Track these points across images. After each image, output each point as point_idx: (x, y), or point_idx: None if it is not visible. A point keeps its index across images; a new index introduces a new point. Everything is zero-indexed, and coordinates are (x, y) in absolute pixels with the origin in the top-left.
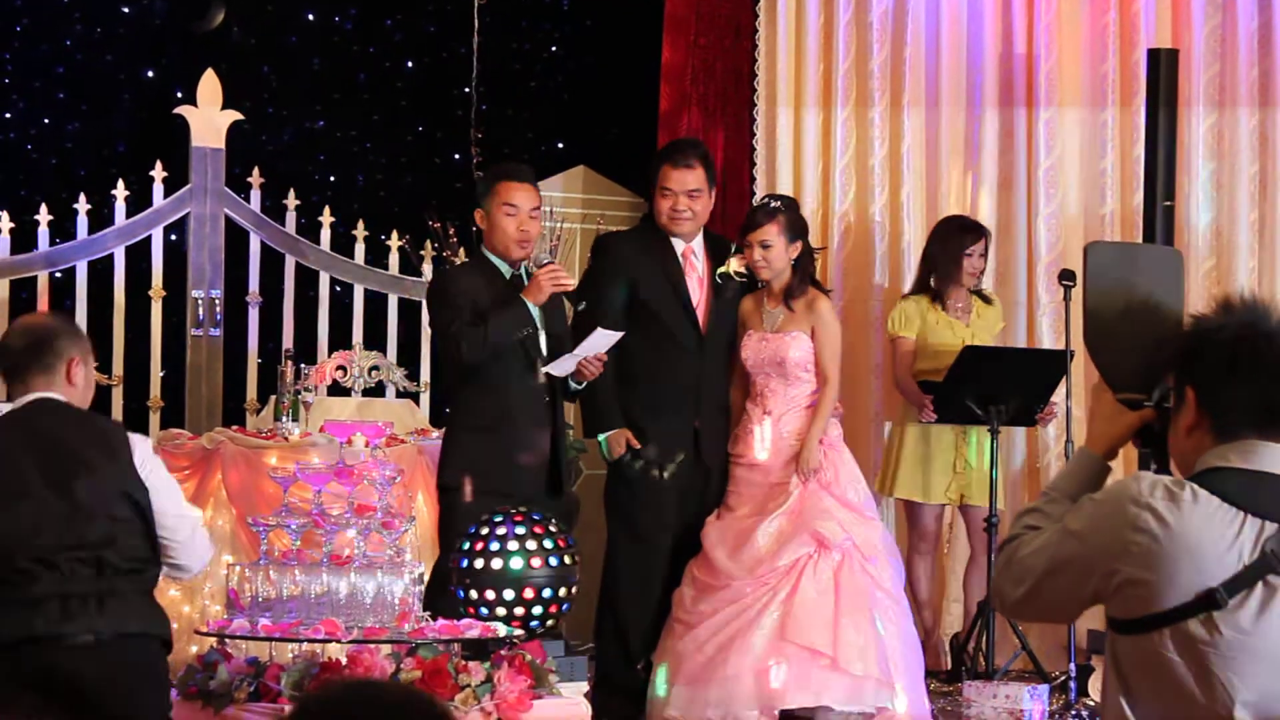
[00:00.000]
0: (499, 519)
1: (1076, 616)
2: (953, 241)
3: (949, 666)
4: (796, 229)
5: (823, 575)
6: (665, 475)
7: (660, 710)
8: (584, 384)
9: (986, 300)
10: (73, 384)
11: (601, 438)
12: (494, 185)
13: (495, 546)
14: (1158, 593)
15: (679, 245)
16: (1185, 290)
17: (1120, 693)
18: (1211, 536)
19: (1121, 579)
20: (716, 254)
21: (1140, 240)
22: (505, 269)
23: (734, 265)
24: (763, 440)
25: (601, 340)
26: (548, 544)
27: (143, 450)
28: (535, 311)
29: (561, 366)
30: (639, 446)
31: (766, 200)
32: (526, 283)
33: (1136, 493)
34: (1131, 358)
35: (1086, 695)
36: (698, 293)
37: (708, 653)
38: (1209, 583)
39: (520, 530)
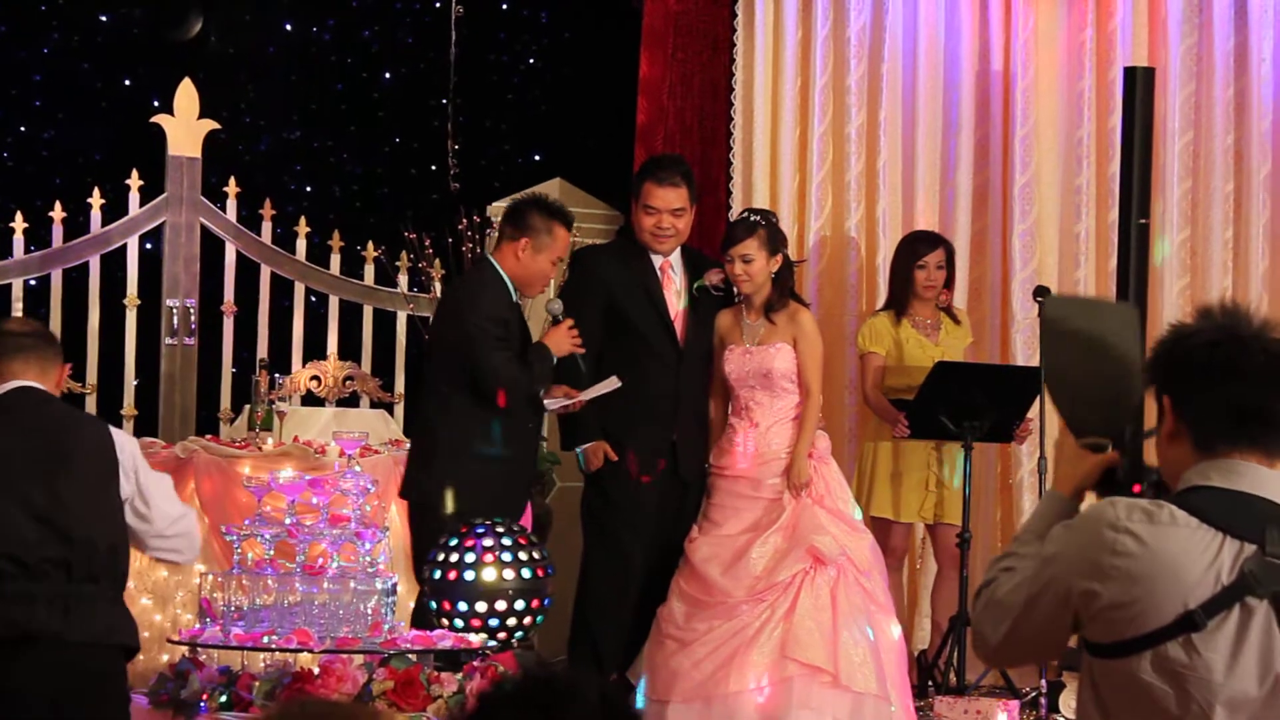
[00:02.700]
0: (471, 531)
1: (1059, 652)
2: (906, 253)
3: (915, 682)
4: (776, 242)
5: (820, 591)
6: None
7: None
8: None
9: (955, 319)
10: (58, 389)
11: (579, 450)
12: (555, 230)
13: (468, 559)
14: (1137, 615)
15: (657, 259)
16: (1145, 344)
17: (1098, 713)
18: (1191, 556)
19: (1102, 604)
20: (693, 268)
21: (1114, 259)
22: (513, 292)
23: (711, 279)
24: (745, 450)
25: (605, 387)
26: (520, 556)
27: (130, 448)
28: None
29: (557, 404)
30: (616, 459)
31: (746, 214)
32: (525, 306)
33: (1113, 518)
34: (1092, 404)
35: (1057, 712)
36: (675, 306)
37: (706, 670)
38: (1188, 604)
39: (492, 542)
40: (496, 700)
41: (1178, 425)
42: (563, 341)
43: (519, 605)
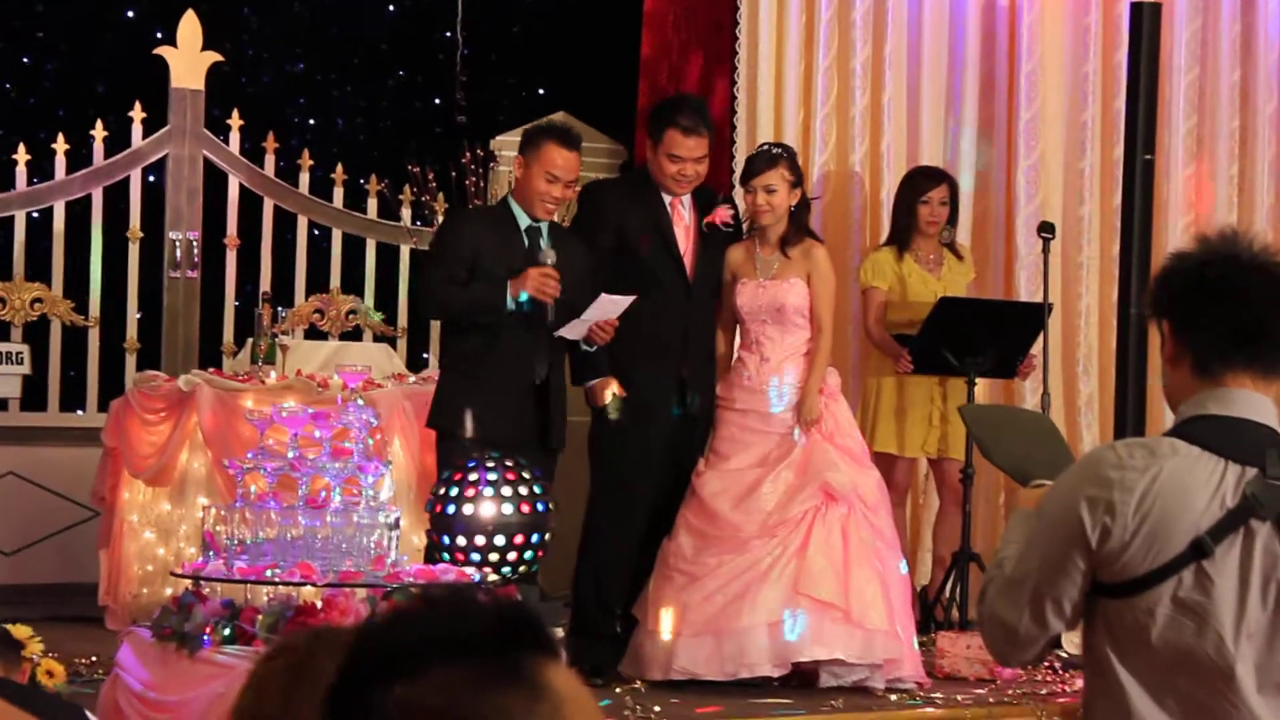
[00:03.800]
0: (472, 465)
1: (1080, 612)
2: (909, 188)
3: (918, 618)
4: (797, 176)
5: (832, 528)
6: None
7: (666, 661)
8: (595, 347)
9: (958, 255)
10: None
11: (587, 385)
12: (543, 145)
13: (469, 492)
14: (1151, 548)
15: (667, 195)
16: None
17: (1112, 654)
18: (1197, 483)
19: (1114, 543)
20: (702, 203)
21: (1119, 195)
22: (524, 219)
23: (720, 215)
24: (780, 396)
25: (610, 306)
26: (522, 490)
27: None
28: (511, 303)
29: (573, 330)
30: (625, 395)
31: (768, 147)
32: (544, 235)
33: (1115, 460)
34: (1031, 456)
35: (1059, 647)
36: (684, 241)
37: (718, 604)
38: (1196, 531)
39: (493, 476)
40: (376, 629)
41: (1177, 349)
42: (528, 282)
43: (520, 539)
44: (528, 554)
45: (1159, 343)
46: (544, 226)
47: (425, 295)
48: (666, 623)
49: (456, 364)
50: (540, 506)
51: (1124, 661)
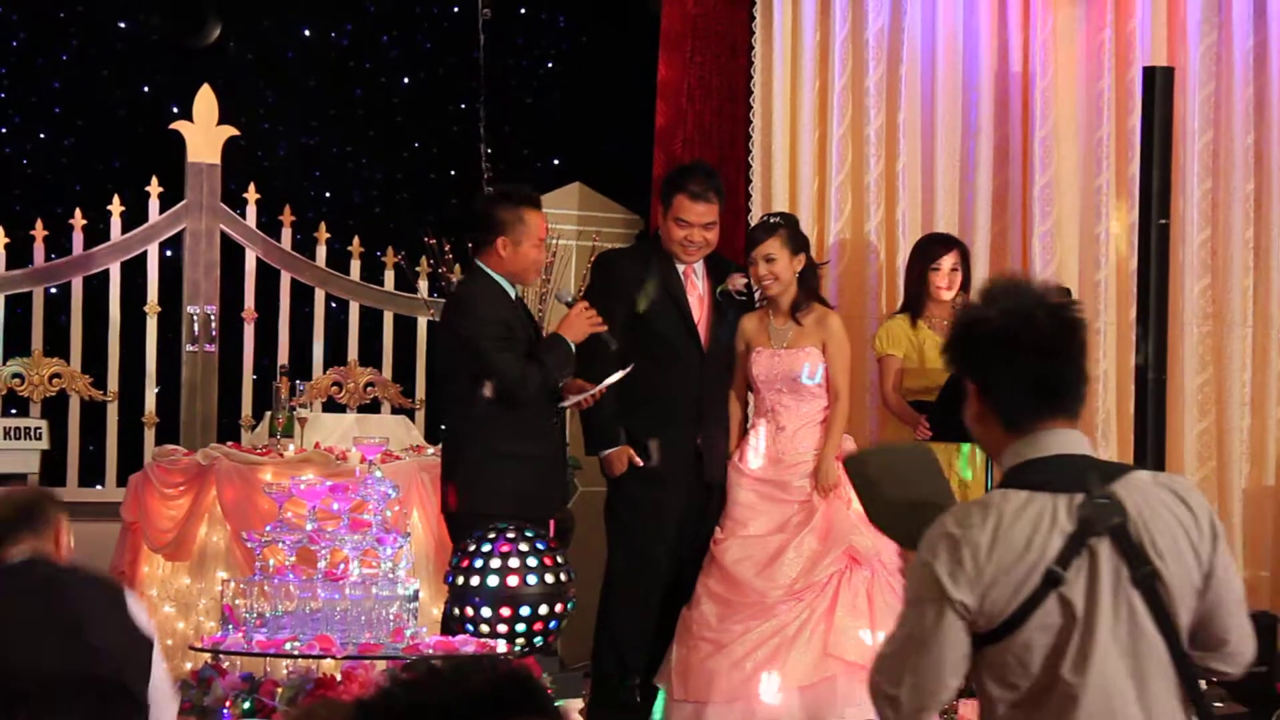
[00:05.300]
0: (490, 536)
1: (962, 676)
2: (921, 255)
3: None
4: (798, 242)
5: (857, 590)
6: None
7: None
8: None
9: None
10: (59, 547)
11: (602, 455)
12: (526, 215)
13: (487, 564)
14: (1011, 594)
15: (680, 264)
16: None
17: (995, 692)
18: (1035, 524)
19: (978, 602)
20: (716, 272)
21: (1135, 260)
22: (511, 290)
23: (734, 284)
24: (770, 452)
25: (616, 376)
26: (540, 561)
27: (135, 603)
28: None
29: (571, 401)
30: (641, 464)
31: (765, 217)
32: (522, 299)
33: (953, 521)
34: (909, 498)
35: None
36: (698, 310)
37: (746, 671)
38: (1046, 564)
39: (512, 548)
40: (378, 697)
41: (983, 408)
42: (578, 326)
43: (539, 610)
44: (547, 625)
45: (964, 397)
46: (520, 294)
47: (519, 382)
48: (679, 688)
49: (504, 447)
50: (559, 577)
51: (1011, 700)
